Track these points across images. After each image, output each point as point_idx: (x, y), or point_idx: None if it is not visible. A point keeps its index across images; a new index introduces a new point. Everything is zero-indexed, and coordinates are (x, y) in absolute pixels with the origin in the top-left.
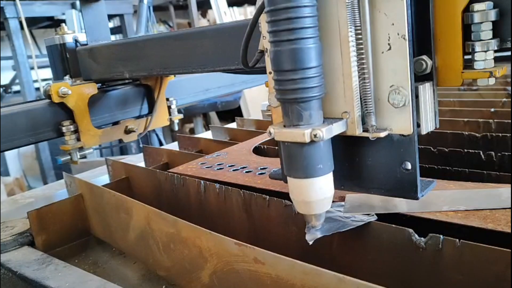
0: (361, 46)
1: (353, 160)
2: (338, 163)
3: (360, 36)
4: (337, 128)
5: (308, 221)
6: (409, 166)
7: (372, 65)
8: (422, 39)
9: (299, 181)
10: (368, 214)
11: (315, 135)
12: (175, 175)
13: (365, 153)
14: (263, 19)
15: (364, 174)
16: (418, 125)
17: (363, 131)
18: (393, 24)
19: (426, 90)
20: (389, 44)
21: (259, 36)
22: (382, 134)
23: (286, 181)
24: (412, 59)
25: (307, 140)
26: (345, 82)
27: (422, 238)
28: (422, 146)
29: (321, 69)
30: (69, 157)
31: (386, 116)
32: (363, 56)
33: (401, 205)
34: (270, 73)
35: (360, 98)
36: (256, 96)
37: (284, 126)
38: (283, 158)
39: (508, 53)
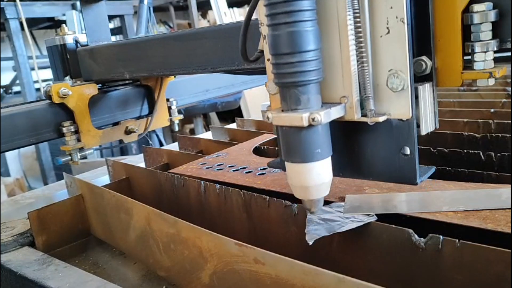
0: (360, 30)
1: (352, 147)
2: (336, 151)
3: (358, 20)
4: (335, 112)
5: (306, 207)
6: (408, 151)
7: (370, 49)
8: (422, 39)
9: (297, 166)
10: (368, 215)
11: (313, 119)
12: (176, 175)
13: (364, 140)
14: (261, 4)
15: (363, 161)
16: (418, 126)
17: (362, 116)
18: (391, 7)
19: (426, 90)
20: (387, 28)
21: (259, 37)
22: (381, 119)
23: (284, 169)
24: (411, 43)
25: (305, 124)
26: (344, 66)
27: (422, 239)
28: (422, 147)
29: (319, 52)
30: (69, 157)
31: (384, 101)
32: (361, 40)
33: (401, 206)
34: (268, 60)
35: (359, 83)
36: (256, 97)
37: (282, 111)
38: (281, 143)
39: (508, 54)
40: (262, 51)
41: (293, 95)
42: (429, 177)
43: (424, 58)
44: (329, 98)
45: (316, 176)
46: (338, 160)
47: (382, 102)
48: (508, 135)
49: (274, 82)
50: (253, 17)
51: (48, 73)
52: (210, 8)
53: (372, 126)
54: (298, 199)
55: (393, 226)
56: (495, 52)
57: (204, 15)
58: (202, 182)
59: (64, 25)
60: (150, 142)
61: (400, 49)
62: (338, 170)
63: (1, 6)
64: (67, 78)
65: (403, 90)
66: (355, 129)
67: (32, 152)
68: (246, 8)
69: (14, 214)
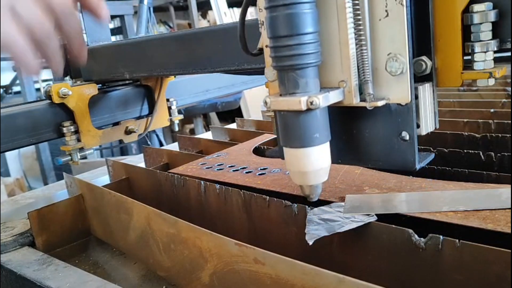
0: (358, 13)
1: (351, 133)
2: (335, 137)
3: (357, 2)
4: (334, 97)
5: (304, 193)
6: (407, 136)
7: (369, 32)
8: (421, 40)
9: (295, 150)
10: (368, 215)
11: (311, 103)
12: (175, 175)
13: (362, 125)
14: None
15: (362, 147)
16: (418, 126)
17: (361, 101)
18: None
19: (425, 90)
20: (386, 10)
21: (258, 37)
22: (380, 103)
23: (282, 157)
24: (409, 26)
25: (303, 107)
26: (342, 50)
27: (422, 239)
28: (422, 147)
29: (318, 36)
30: (69, 157)
31: (383, 86)
32: (360, 23)
33: (401, 206)
34: (266, 46)
35: (357, 67)
36: (256, 97)
37: (280, 95)
38: (279, 129)
39: (508, 54)
40: (262, 49)
41: (291, 79)
42: (429, 178)
43: (424, 58)
44: (328, 83)
45: (314, 161)
46: (337, 147)
47: (381, 86)
48: (508, 135)
49: (272, 66)
50: (253, 17)
51: (48, 73)
52: (210, 8)
53: (371, 111)
54: (298, 199)
55: (393, 226)
56: (495, 52)
57: (204, 15)
58: (202, 182)
59: None
60: (149, 143)
61: (399, 32)
62: (337, 156)
63: None
64: (67, 78)
65: (402, 73)
66: (354, 115)
67: (32, 152)
68: None
69: (14, 214)
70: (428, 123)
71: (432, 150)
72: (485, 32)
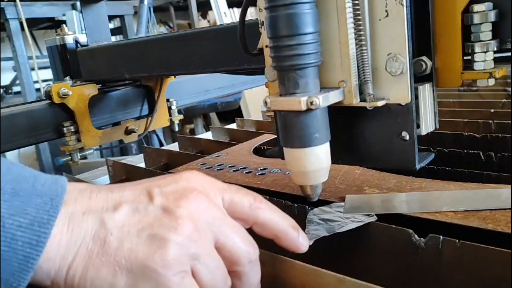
0: (358, 13)
1: (351, 133)
2: (335, 137)
3: (357, 2)
4: (334, 97)
5: (304, 193)
6: (407, 136)
7: (369, 32)
8: (421, 40)
9: (295, 151)
10: (368, 215)
11: (311, 103)
12: None
13: (362, 125)
14: None
15: (362, 147)
16: (418, 126)
17: (361, 101)
18: None
19: (426, 91)
20: (386, 10)
21: (258, 37)
22: (380, 103)
23: (282, 157)
24: (409, 26)
25: (303, 107)
26: (342, 50)
27: (422, 239)
28: (422, 147)
29: (318, 36)
30: (69, 157)
31: (383, 86)
32: (360, 23)
33: (401, 206)
34: (266, 46)
35: (358, 67)
36: (256, 97)
37: (280, 95)
38: (279, 129)
39: (508, 54)
40: (262, 49)
41: (292, 79)
42: (428, 178)
43: (424, 58)
44: (328, 83)
45: (314, 160)
46: (337, 147)
47: (381, 87)
48: (508, 135)
49: (272, 66)
50: (253, 17)
51: (48, 73)
52: (210, 8)
53: (371, 111)
54: (298, 199)
55: (393, 226)
56: (495, 52)
57: (204, 15)
58: None
59: (64, 25)
60: (144, 145)
61: (399, 32)
62: (337, 156)
63: (1, 6)
64: (67, 78)
65: (402, 73)
66: (354, 115)
67: (32, 152)
68: None
69: None
70: (428, 123)
71: (432, 150)
72: (485, 32)
